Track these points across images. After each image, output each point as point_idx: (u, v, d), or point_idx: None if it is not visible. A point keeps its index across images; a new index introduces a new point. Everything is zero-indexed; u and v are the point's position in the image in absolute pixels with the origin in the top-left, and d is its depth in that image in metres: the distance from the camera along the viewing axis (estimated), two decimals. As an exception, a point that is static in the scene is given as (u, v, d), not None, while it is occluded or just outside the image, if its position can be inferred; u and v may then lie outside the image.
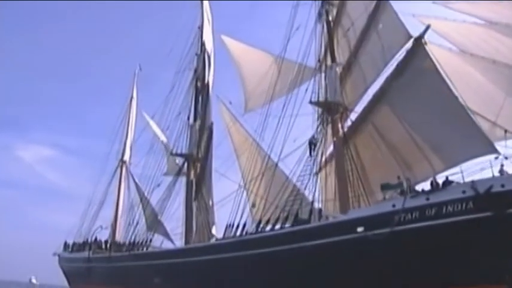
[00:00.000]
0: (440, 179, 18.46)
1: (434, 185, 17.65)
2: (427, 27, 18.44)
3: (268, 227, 21.69)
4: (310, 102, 23.76)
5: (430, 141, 18.87)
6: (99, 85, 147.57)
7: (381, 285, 16.54)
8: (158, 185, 30.88)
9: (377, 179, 22.67)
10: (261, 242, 19.90)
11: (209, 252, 22.59)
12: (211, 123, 29.39)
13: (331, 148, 24.13)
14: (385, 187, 17.62)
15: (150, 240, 30.11)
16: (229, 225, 23.03)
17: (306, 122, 26.67)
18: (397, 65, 19.45)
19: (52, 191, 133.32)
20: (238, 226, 22.38)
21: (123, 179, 39.66)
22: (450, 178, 17.52)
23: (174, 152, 32.37)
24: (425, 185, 18.98)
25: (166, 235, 31.39)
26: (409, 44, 18.82)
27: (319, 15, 25.45)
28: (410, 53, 18.83)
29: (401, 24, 19.17)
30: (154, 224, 31.33)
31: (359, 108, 23.04)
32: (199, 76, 34.18)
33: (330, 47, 24.66)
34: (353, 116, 23.37)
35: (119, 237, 38.22)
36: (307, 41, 28.76)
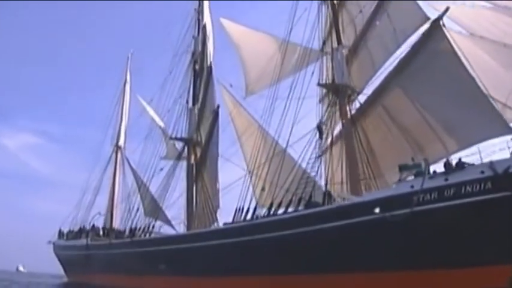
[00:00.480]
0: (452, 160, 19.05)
1: (448, 166, 17.99)
2: (446, 9, 18.36)
3: (280, 211, 21.86)
4: (319, 84, 23.77)
5: (444, 122, 18.95)
6: (86, 71, 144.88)
7: (399, 266, 16.84)
8: (161, 169, 30.57)
9: (387, 161, 22.93)
10: (276, 225, 19.78)
11: (221, 237, 22.35)
12: (218, 106, 28.88)
13: (337, 130, 24.28)
14: (403, 168, 17.76)
15: (153, 227, 29.79)
16: (239, 209, 23.01)
17: (309, 104, 26.90)
18: (412, 47, 19.43)
19: (37, 179, 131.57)
20: (248, 210, 22.38)
21: (118, 165, 39.26)
22: (463, 160, 17.99)
23: (173, 136, 32.02)
24: (438, 167, 19.65)
25: (167, 221, 31.15)
26: (426, 26, 18.78)
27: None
28: (426, 35, 18.78)
29: (418, 7, 19.08)
30: (155, 210, 31.04)
31: (367, 91, 23.32)
32: (197, 59, 33.78)
33: (335, 29, 24.61)
34: (360, 99, 23.70)
35: (116, 224, 37.93)
36: (312, 24, 29.03)
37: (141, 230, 29.99)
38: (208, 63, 30.23)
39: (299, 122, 25.88)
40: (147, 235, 29.47)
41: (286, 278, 18.68)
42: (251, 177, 23.82)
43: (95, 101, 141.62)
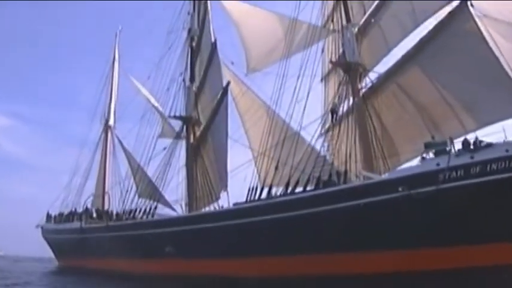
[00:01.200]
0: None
1: (465, 145, 18.20)
2: None
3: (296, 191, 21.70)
4: (331, 62, 23.50)
5: (463, 100, 19.05)
6: (62, 52, 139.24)
7: (425, 243, 17.09)
8: (164, 148, 29.67)
9: (401, 139, 23.04)
10: (298, 203, 19.50)
11: (241, 216, 21.69)
12: (228, 83, 27.30)
13: (347, 108, 24.12)
14: (428, 146, 17.85)
15: (155, 208, 29.09)
16: (252, 188, 22.71)
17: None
18: (435, 27, 19.25)
19: (11, 162, 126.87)
20: (262, 189, 22.09)
21: (109, 145, 38.09)
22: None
23: (171, 115, 31.10)
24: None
25: (166, 202, 30.47)
26: (450, 6, 18.54)
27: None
28: (451, 15, 18.60)
29: None
30: (153, 191, 30.30)
31: (377, 69, 23.21)
32: (193, 36, 32.71)
33: (344, 7, 24.23)
34: (370, 77, 23.56)
35: (109, 206, 37.00)
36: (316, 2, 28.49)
37: (141, 212, 29.34)
38: (212, 39, 29.12)
39: (302, 100, 25.85)
40: (149, 217, 28.83)
41: (312, 258, 18.53)
42: (263, 158, 23.44)
43: (73, 82, 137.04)
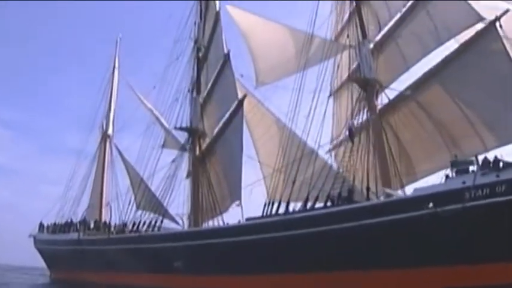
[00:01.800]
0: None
1: (486, 163, 18.37)
2: (506, 11, 18.46)
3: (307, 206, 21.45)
4: (349, 77, 23.51)
5: (485, 118, 19.26)
6: (47, 55, 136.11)
7: (450, 261, 17.10)
8: (173, 161, 29.04)
9: (418, 156, 23.14)
10: (322, 219, 19.23)
11: (259, 231, 21.16)
12: (244, 96, 26.74)
13: (361, 124, 24.11)
14: (455, 164, 17.95)
15: (161, 221, 28.41)
16: (268, 203, 22.38)
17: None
18: (461, 46, 19.44)
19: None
20: (280, 204, 21.77)
21: (107, 154, 37.21)
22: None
23: (177, 126, 30.53)
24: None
25: (169, 215, 29.71)
26: (479, 26, 18.74)
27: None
28: (479, 35, 18.87)
29: (470, 7, 18.84)
30: (155, 203, 29.56)
31: (396, 86, 23.32)
32: (200, 46, 32.36)
33: (359, 23, 24.35)
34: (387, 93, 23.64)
35: (106, 218, 36.03)
36: (329, 17, 28.56)
37: (145, 224, 28.55)
38: (225, 50, 28.71)
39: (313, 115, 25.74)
40: (154, 230, 28.01)
41: (333, 276, 18.34)
42: (278, 174, 23.05)
43: (58, 87, 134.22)
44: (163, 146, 31.64)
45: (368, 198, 19.85)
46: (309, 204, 20.75)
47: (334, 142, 26.14)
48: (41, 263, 40.30)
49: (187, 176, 31.26)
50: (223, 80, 28.28)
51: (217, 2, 30.03)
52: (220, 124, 27.84)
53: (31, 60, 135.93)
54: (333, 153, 27.47)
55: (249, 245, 21.17)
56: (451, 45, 20.67)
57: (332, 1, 27.69)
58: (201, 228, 26.34)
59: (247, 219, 23.57)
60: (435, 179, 22.35)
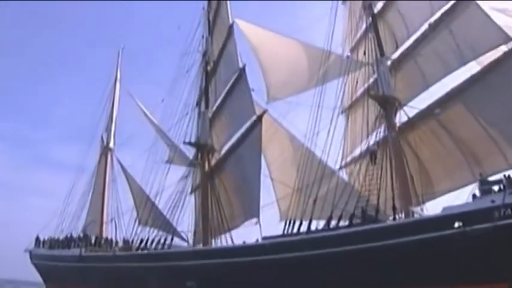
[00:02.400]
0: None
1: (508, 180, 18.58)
2: None
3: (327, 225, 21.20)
4: (369, 95, 23.52)
5: (508, 136, 19.36)
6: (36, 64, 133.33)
7: (480, 280, 17.11)
8: (186, 177, 28.43)
9: (438, 173, 23.23)
10: (349, 238, 19.07)
11: (280, 251, 20.62)
12: (264, 111, 25.98)
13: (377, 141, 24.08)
14: (484, 183, 18.06)
15: (172, 239, 27.37)
16: (289, 221, 22.05)
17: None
18: (486, 66, 19.67)
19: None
20: (301, 223, 21.45)
21: (108, 169, 36.35)
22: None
23: (185, 140, 29.96)
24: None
25: (178, 233, 28.93)
26: (505, 46, 18.81)
27: (365, 8, 25.20)
28: (507, 55, 18.96)
29: (497, 27, 18.96)
30: (161, 219, 28.81)
31: (414, 104, 23.42)
32: (209, 60, 32.05)
33: (377, 40, 24.50)
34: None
35: (107, 234, 35.09)
36: (344, 32, 28.65)
37: (154, 242, 27.74)
38: (240, 64, 28.33)
39: (319, 133, 25.65)
40: (164, 248, 27.18)
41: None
42: (297, 194, 22.75)
43: (45, 97, 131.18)
44: (169, 162, 31.02)
45: (395, 218, 19.82)
46: (333, 223, 20.60)
47: (349, 159, 26.06)
48: (34, 277, 39.01)
49: (192, 192, 30.75)
50: (237, 95, 27.84)
51: (229, 15, 29.85)
52: (233, 140, 27.46)
53: (22, 70, 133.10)
54: (344, 170, 27.48)
55: (273, 265, 20.67)
56: (471, 65, 21.10)
57: (344, 16, 28.06)
58: (220, 247, 25.59)
59: (264, 238, 23.11)
60: (453, 197, 22.95)
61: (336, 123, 23.57)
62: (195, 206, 30.62)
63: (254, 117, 25.58)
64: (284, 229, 21.76)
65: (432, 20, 21.60)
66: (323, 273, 19.35)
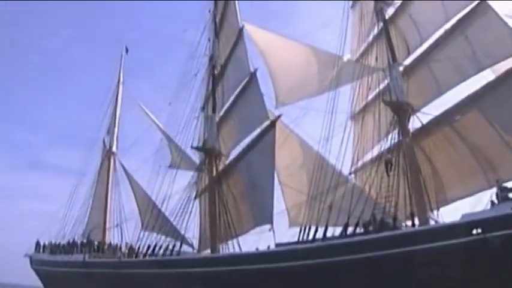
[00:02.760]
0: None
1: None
2: None
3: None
4: (383, 100, 23.40)
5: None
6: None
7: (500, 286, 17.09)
8: (196, 183, 28.11)
9: (452, 180, 23.04)
10: (364, 245, 18.84)
11: (292, 258, 20.37)
12: (279, 116, 25.48)
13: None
14: (503, 190, 18.03)
15: (180, 245, 26.83)
16: (304, 228, 21.83)
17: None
18: (503, 73, 19.54)
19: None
20: (316, 229, 21.22)
21: (111, 173, 35.82)
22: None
23: (193, 145, 29.63)
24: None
25: (184, 239, 28.50)
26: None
27: (376, 13, 25.13)
28: None
29: None
30: (172, 227, 28.44)
31: (426, 110, 23.35)
32: (215, 63, 31.71)
33: (389, 46, 24.43)
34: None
35: (110, 240, 34.56)
36: (357, 37, 28.54)
37: (162, 248, 27.31)
38: (251, 69, 27.79)
39: (328, 139, 25.54)
40: (173, 254, 26.74)
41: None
42: (313, 202, 22.55)
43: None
44: (176, 167, 30.62)
45: (413, 224, 19.76)
46: (349, 230, 20.45)
47: (359, 165, 25.91)
48: (30, 281, 38.40)
49: (197, 197, 30.42)
50: (247, 99, 27.49)
51: (238, 17, 29.50)
52: (243, 145, 27.16)
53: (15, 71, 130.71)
54: (354, 176, 27.35)
55: (312, 270, 20.09)
56: (485, 72, 21.09)
57: (354, 21, 27.93)
58: (238, 253, 25.18)
59: (277, 245, 22.86)
60: (464, 204, 22.94)
61: (350, 129, 23.56)
62: (200, 212, 30.39)
63: (267, 122, 25.26)
64: (299, 236, 21.56)
65: (447, 25, 21.58)
66: (342, 280, 19.18)
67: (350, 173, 27.03)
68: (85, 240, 32.93)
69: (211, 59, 31.66)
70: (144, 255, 27.80)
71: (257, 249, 23.25)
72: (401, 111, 22.85)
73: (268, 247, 22.93)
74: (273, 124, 24.92)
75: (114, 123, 37.02)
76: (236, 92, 28.33)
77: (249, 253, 23.93)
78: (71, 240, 34.06)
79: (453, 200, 22.91)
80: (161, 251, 27.06)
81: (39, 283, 37.49)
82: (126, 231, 31.57)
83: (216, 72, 31.22)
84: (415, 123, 23.76)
